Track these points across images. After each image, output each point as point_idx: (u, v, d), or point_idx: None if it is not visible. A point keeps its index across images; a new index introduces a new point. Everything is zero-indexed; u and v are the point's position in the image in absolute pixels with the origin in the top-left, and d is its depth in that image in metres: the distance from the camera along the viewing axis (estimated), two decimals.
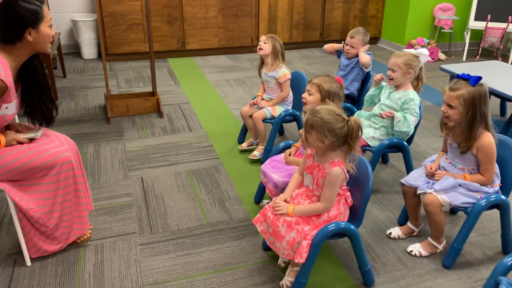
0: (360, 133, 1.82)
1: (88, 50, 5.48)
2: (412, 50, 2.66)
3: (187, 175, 2.99)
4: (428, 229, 2.35)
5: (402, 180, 2.31)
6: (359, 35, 3.20)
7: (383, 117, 2.61)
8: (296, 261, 1.85)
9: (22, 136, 2.03)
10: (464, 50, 5.75)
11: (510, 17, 5.32)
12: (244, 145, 3.33)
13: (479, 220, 2.12)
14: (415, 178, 2.27)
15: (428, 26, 5.87)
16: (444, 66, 3.81)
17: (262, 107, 3.14)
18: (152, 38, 3.86)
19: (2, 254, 2.24)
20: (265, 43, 3.04)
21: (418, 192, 2.20)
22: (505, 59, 5.54)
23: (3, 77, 1.81)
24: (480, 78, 2.01)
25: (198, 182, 2.91)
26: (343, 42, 3.36)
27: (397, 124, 2.57)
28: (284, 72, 3.06)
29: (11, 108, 1.95)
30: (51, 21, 1.99)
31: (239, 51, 5.89)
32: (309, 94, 2.34)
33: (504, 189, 2.12)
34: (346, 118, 1.82)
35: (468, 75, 2.04)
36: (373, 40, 6.44)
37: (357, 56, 3.24)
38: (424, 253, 2.28)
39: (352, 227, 1.90)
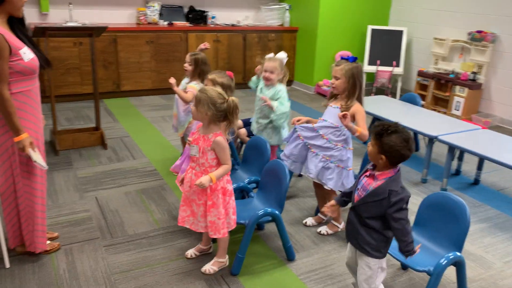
0: (236, 110, 2.32)
1: None
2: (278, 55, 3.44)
3: (136, 194, 3.49)
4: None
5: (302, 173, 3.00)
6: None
7: (265, 101, 3.29)
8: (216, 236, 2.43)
9: (33, 155, 2.31)
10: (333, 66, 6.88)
11: (394, 62, 6.57)
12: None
13: None
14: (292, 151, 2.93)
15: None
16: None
17: None
18: (96, 80, 4.37)
19: None
20: (190, 65, 3.52)
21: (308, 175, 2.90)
22: (394, 96, 6.74)
23: None
24: (356, 58, 2.74)
25: (147, 198, 3.42)
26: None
27: (277, 109, 3.28)
28: (191, 85, 3.48)
29: (28, 52, 2.25)
30: None
31: (171, 92, 6.48)
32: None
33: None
34: (227, 97, 2.33)
35: (348, 57, 2.76)
36: (288, 83, 7.39)
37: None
38: (329, 231, 3.01)
39: (276, 212, 2.57)
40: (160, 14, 6.48)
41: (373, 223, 1.98)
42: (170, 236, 2.94)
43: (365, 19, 6.89)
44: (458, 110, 5.84)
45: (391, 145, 1.90)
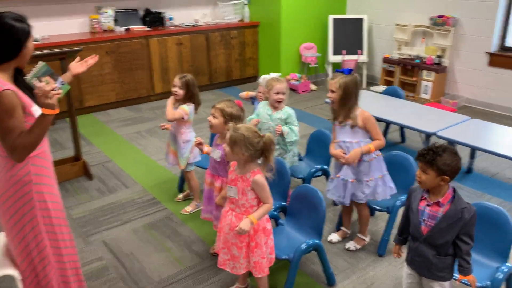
0: (273, 146, 2.23)
1: None
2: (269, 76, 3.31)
3: (145, 230, 3.27)
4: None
5: (328, 196, 2.89)
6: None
7: (277, 132, 3.12)
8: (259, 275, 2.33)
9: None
10: (328, 80, 6.91)
11: (359, 51, 6.64)
12: (180, 197, 3.65)
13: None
14: (335, 191, 2.83)
15: (297, 63, 6.92)
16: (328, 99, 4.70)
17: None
18: (71, 99, 4.00)
19: None
20: (180, 89, 3.19)
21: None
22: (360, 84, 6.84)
23: (7, 86, 1.87)
24: (352, 70, 2.76)
25: (159, 234, 3.22)
26: (255, 90, 3.97)
27: (287, 137, 3.15)
28: (182, 106, 3.20)
29: (37, 109, 1.98)
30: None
31: (137, 102, 6.17)
32: (214, 117, 2.63)
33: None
34: (261, 134, 2.24)
35: (343, 69, 2.76)
36: (253, 78, 7.28)
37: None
38: (358, 246, 2.99)
39: (320, 243, 2.50)
40: (115, 20, 6.05)
41: (447, 249, 2.00)
42: (199, 276, 2.78)
43: (325, 9, 6.87)
44: (426, 94, 6.04)
45: (448, 163, 1.92)
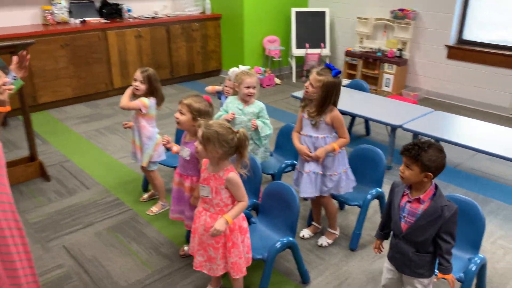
0: (247, 142, 2.14)
1: None
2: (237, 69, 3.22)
3: (109, 233, 3.10)
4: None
5: (301, 196, 2.80)
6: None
7: (253, 127, 3.01)
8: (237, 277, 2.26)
9: None
10: (292, 73, 6.89)
11: (322, 44, 6.64)
12: (145, 197, 3.50)
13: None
14: (307, 189, 2.76)
15: (261, 56, 6.84)
16: (295, 94, 4.66)
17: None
18: (24, 96, 3.74)
19: None
20: (142, 83, 3.04)
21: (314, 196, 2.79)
22: None
23: None
24: (340, 72, 2.65)
25: (124, 237, 3.06)
26: (222, 84, 3.85)
27: (262, 131, 3.05)
28: (142, 99, 3.06)
29: None
30: None
31: (95, 98, 5.90)
32: (181, 114, 2.50)
33: (377, 183, 2.96)
34: (235, 130, 2.14)
35: (333, 67, 2.63)
36: (216, 72, 7.14)
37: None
38: (329, 241, 2.96)
39: (294, 241, 2.44)
40: (70, 12, 5.75)
41: (427, 246, 1.97)
42: (169, 279, 2.66)
43: (287, 1, 6.82)
44: (388, 87, 6.12)
45: (433, 159, 1.88)
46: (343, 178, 2.77)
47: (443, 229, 1.91)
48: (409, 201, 1.99)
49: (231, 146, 2.12)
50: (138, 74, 3.06)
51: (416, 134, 3.76)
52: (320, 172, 2.73)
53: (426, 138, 2.16)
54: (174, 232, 3.09)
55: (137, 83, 3.06)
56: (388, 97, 5.13)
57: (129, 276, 2.69)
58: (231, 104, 3.13)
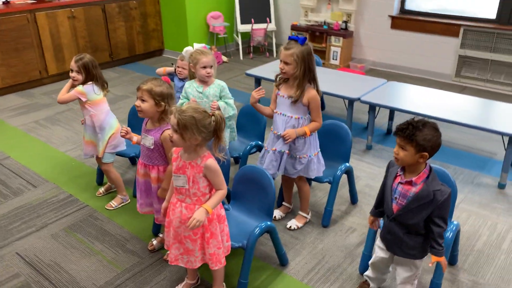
0: (224, 124, 1.99)
1: None
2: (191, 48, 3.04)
3: (67, 234, 2.86)
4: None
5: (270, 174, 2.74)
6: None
7: (213, 109, 2.81)
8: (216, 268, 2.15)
9: None
10: (239, 50, 6.72)
11: (267, 19, 6.51)
12: (102, 191, 3.27)
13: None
14: (270, 166, 2.66)
15: (205, 33, 6.59)
16: (249, 72, 4.53)
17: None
18: None
19: None
20: (78, 73, 2.83)
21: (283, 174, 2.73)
22: (271, 53, 6.76)
23: None
24: (306, 38, 2.53)
25: (84, 236, 2.83)
26: (173, 65, 3.63)
27: (224, 112, 2.89)
28: (76, 88, 2.86)
29: None
30: None
31: (29, 86, 5.41)
32: (142, 101, 2.29)
33: (344, 158, 2.95)
34: (210, 113, 1.98)
35: (296, 36, 2.54)
36: (158, 52, 6.81)
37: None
38: (299, 225, 2.91)
39: (273, 225, 2.36)
40: None
41: (418, 229, 1.92)
42: (141, 277, 2.50)
43: None
44: (336, 60, 6.15)
45: (429, 138, 1.81)
46: (314, 161, 2.70)
47: (435, 214, 1.86)
48: (401, 183, 1.93)
49: (210, 130, 1.97)
50: (73, 64, 2.84)
51: (373, 106, 3.79)
52: (287, 151, 2.66)
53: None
54: (139, 226, 2.91)
55: (73, 74, 2.84)
56: (338, 70, 5.14)
57: (96, 278, 2.49)
58: (190, 89, 2.95)
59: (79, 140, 4.08)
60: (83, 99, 2.86)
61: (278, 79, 2.67)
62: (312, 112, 2.61)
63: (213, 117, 1.98)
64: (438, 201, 1.84)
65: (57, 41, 5.48)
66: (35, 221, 2.98)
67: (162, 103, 2.30)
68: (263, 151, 2.77)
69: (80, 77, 2.83)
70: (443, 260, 1.94)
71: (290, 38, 2.56)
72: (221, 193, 2.05)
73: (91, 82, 2.88)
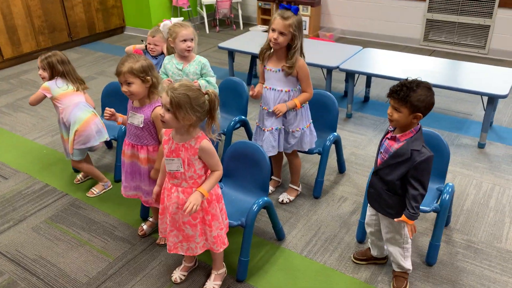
0: (217, 102, 1.88)
1: None
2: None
3: (49, 225, 2.70)
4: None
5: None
6: (159, 33, 3.35)
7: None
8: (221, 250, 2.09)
9: None
10: (204, 23, 6.50)
11: None
12: (80, 178, 3.11)
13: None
14: (270, 148, 2.59)
15: (168, 8, 6.33)
16: (222, 45, 4.38)
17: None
18: None
19: None
20: (44, 71, 2.73)
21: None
22: (237, 25, 6.58)
23: None
24: (298, 8, 2.41)
25: (68, 226, 2.69)
26: (144, 42, 3.45)
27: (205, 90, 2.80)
28: (42, 85, 2.77)
29: None
30: None
31: None
32: (128, 84, 2.12)
33: (331, 128, 2.92)
34: (203, 91, 1.87)
35: (289, 5, 2.42)
36: (119, 30, 6.49)
37: (162, 53, 3.41)
38: (291, 198, 2.88)
39: (269, 200, 2.31)
40: None
41: (395, 187, 1.92)
42: (135, 264, 2.40)
43: None
44: (305, 29, 6.06)
45: (422, 99, 1.80)
46: (307, 134, 2.65)
47: (411, 174, 1.85)
48: (388, 138, 1.94)
49: (204, 109, 1.85)
50: (38, 62, 2.75)
51: (351, 73, 3.76)
52: (282, 126, 2.59)
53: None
54: (126, 211, 2.79)
55: (39, 71, 2.77)
56: (309, 39, 5.07)
57: (87, 269, 2.37)
58: (169, 65, 2.80)
59: (47, 126, 3.86)
60: (48, 95, 2.75)
61: (264, 52, 2.55)
62: (302, 82, 2.53)
63: (206, 95, 1.86)
64: (415, 161, 1.83)
65: (10, 22, 5.09)
66: (11, 215, 2.79)
67: (148, 77, 2.14)
68: (256, 128, 2.69)
69: (46, 74, 2.75)
70: (410, 223, 1.92)
71: (282, 7, 2.43)
72: (217, 174, 1.96)
73: (56, 78, 2.75)
